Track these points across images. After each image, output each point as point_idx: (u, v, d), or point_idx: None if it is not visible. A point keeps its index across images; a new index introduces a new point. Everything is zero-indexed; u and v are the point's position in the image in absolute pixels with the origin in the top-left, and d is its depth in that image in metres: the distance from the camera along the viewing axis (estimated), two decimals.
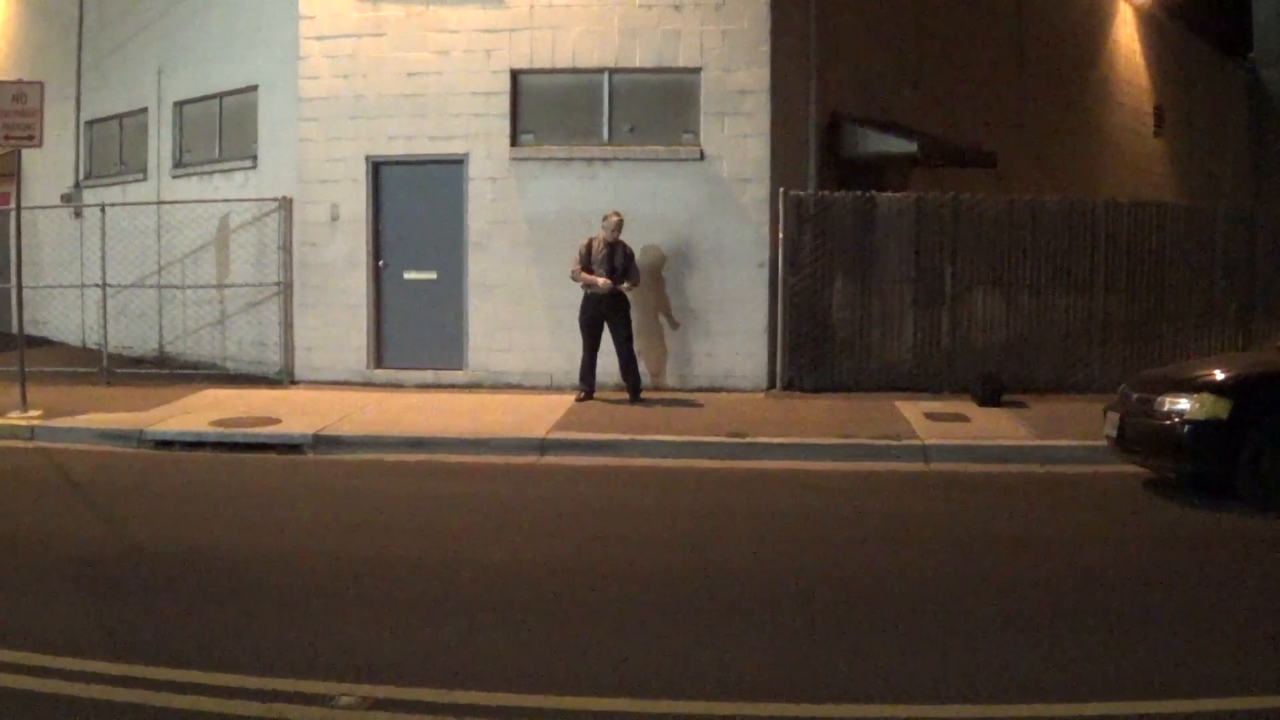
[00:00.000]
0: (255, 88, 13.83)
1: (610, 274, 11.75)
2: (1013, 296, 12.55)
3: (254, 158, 13.87)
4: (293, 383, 13.13)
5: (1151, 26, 23.63)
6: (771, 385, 12.48)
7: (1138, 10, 22.98)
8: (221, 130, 14.59)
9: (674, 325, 12.61)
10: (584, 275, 11.85)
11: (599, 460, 9.91)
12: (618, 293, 11.84)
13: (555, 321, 12.62)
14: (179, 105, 15.16)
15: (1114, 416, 8.86)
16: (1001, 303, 12.55)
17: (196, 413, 11.42)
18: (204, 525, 7.71)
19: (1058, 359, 12.53)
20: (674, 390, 12.52)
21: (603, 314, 11.86)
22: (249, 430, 10.64)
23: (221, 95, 14.45)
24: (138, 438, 10.62)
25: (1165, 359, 11.92)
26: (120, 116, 16.37)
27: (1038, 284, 12.56)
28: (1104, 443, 9.08)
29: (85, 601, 6.06)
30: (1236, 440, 8.04)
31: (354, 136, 12.97)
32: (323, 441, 10.38)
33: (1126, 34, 22.83)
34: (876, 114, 13.98)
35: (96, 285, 14.03)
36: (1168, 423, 8.31)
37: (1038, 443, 10.04)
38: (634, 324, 12.10)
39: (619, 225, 11.79)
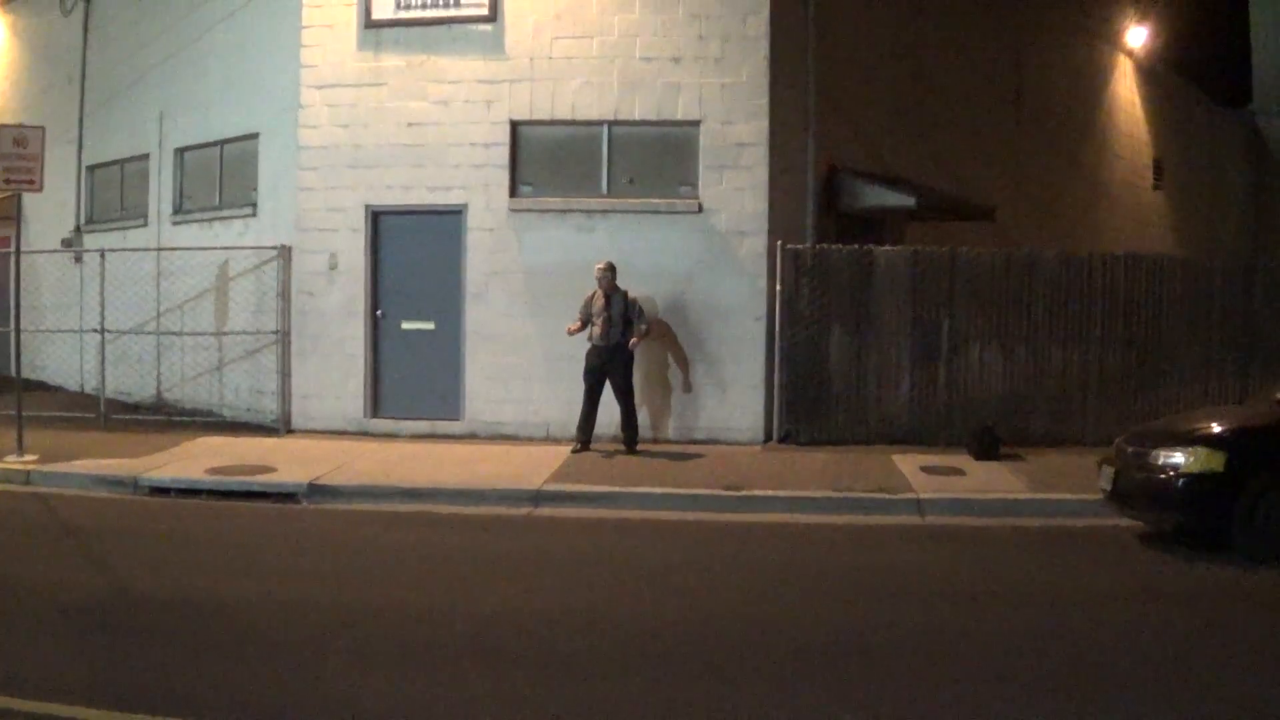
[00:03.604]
0: (256, 135, 14.04)
1: (608, 324, 11.91)
2: (1010, 349, 12.67)
3: (254, 205, 14.05)
4: (289, 431, 13.23)
5: (1151, 79, 23.91)
6: (768, 438, 12.59)
7: (1137, 63, 23.26)
8: (222, 177, 14.78)
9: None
10: (569, 327, 12.05)
11: (594, 512, 10.01)
12: (620, 344, 11.98)
13: (552, 372, 12.75)
14: (180, 152, 15.37)
15: (1109, 470, 8.93)
16: (998, 356, 12.67)
17: (192, 460, 11.53)
18: (196, 573, 7.79)
19: (1054, 412, 12.62)
20: (671, 442, 12.62)
21: (604, 365, 12.00)
22: (244, 478, 10.75)
23: (222, 143, 14.66)
24: (133, 484, 10.73)
25: (1162, 412, 11.98)
26: (121, 162, 16.57)
27: (1035, 337, 12.68)
28: (1099, 496, 9.16)
29: (76, 648, 6.14)
30: (1232, 493, 8.12)
31: (353, 186, 13.15)
32: (317, 491, 10.48)
33: (1126, 87, 23.11)
34: (875, 167, 14.17)
35: (95, 330, 14.19)
36: (1163, 476, 8.39)
37: (1033, 496, 10.13)
38: (635, 376, 12.21)
39: (604, 274, 11.96)
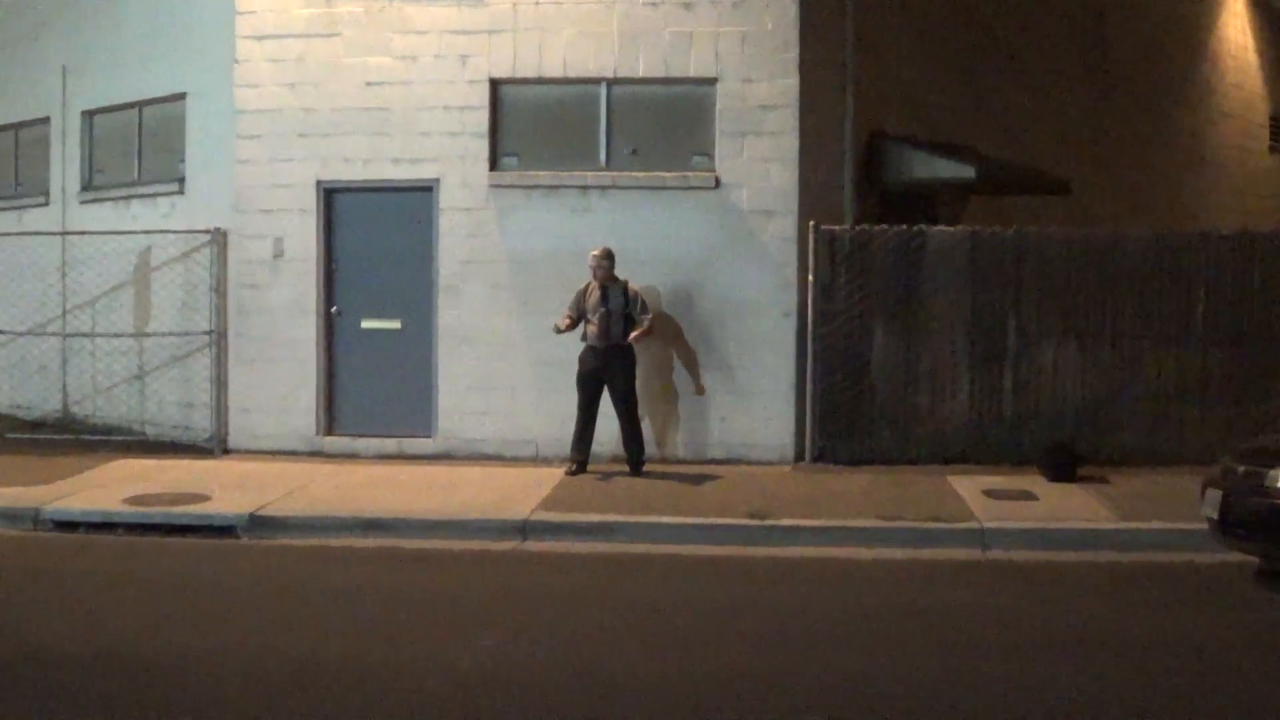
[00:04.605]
0: (183, 96, 14.24)
1: (605, 321, 12.14)
2: (1090, 349, 12.85)
3: (181, 181, 14.26)
4: (226, 452, 13.46)
5: (1268, 18, 23.86)
6: (799, 456, 12.82)
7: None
8: (141, 147, 15.01)
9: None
10: (557, 323, 12.28)
11: (592, 546, 10.23)
12: (621, 345, 12.22)
13: (542, 380, 12.98)
14: (89, 115, 15.63)
15: (1215, 494, 9.04)
16: (1076, 357, 12.84)
17: (107, 487, 11.75)
18: (114, 623, 7.92)
19: (1145, 424, 12.77)
20: (683, 461, 12.86)
21: (602, 370, 12.24)
22: (171, 509, 10.96)
23: (141, 104, 14.89)
24: (33, 517, 10.92)
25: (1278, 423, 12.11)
26: (15, 127, 16.79)
27: (1120, 334, 12.87)
28: (1203, 525, 9.31)
29: None
30: None
31: (302, 157, 13.36)
32: (260, 523, 10.69)
33: (1235, 29, 23.10)
34: (925, 133, 14.36)
35: None
36: None
37: (1121, 526, 10.32)
38: (638, 383, 12.48)
39: (600, 262, 12.21)
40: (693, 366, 13.01)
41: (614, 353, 12.22)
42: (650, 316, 12.34)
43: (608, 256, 12.27)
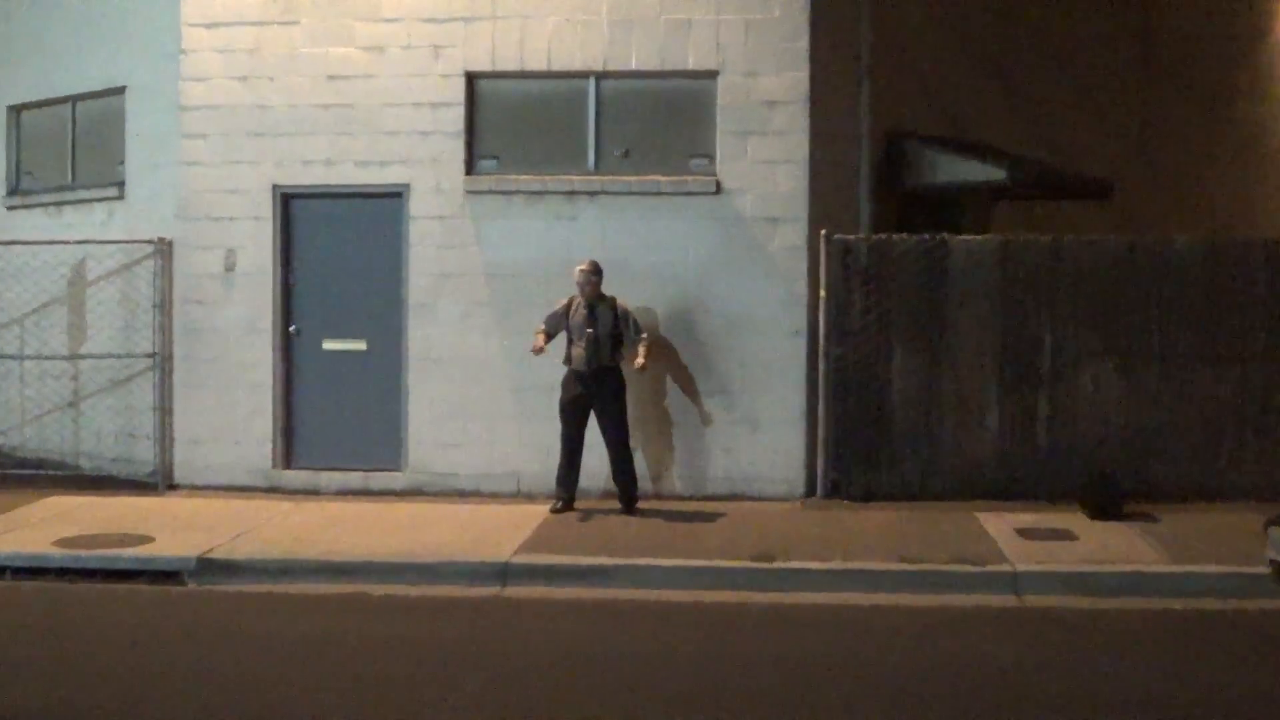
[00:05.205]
0: (122, 90, 14.38)
1: (593, 341, 12.24)
2: (1134, 372, 12.94)
3: (121, 185, 14.39)
4: (172, 487, 13.56)
5: None
6: (810, 491, 12.95)
7: None
8: (76, 146, 15.15)
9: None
10: (534, 344, 12.39)
11: (580, 592, 10.32)
12: (609, 369, 12.33)
13: (524, 407, 13.10)
14: (16, 110, 15.79)
15: (1279, 533, 9.24)
16: (1119, 380, 12.94)
17: (36, 527, 11.85)
18: (40, 682, 7.94)
19: (1198, 455, 12.87)
20: (680, 498, 12.99)
21: (589, 396, 12.34)
22: (109, 552, 11.04)
23: (75, 99, 15.03)
24: None
25: None
26: None
27: (1169, 354, 12.95)
28: (1265, 569, 9.47)
29: None
30: None
31: (257, 159, 13.48)
32: (210, 567, 10.78)
33: None
34: (950, 131, 14.50)
35: None
36: None
37: (1172, 569, 10.41)
38: (629, 411, 12.58)
39: (587, 277, 12.32)
40: (692, 392, 13.14)
41: (602, 377, 12.33)
42: (646, 337, 12.46)
43: (595, 271, 12.38)
